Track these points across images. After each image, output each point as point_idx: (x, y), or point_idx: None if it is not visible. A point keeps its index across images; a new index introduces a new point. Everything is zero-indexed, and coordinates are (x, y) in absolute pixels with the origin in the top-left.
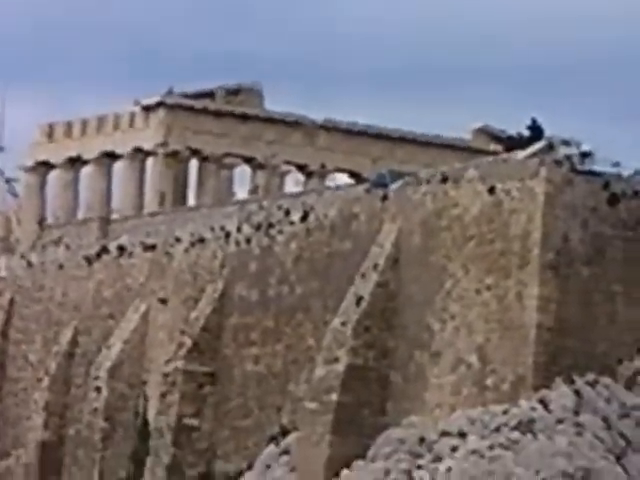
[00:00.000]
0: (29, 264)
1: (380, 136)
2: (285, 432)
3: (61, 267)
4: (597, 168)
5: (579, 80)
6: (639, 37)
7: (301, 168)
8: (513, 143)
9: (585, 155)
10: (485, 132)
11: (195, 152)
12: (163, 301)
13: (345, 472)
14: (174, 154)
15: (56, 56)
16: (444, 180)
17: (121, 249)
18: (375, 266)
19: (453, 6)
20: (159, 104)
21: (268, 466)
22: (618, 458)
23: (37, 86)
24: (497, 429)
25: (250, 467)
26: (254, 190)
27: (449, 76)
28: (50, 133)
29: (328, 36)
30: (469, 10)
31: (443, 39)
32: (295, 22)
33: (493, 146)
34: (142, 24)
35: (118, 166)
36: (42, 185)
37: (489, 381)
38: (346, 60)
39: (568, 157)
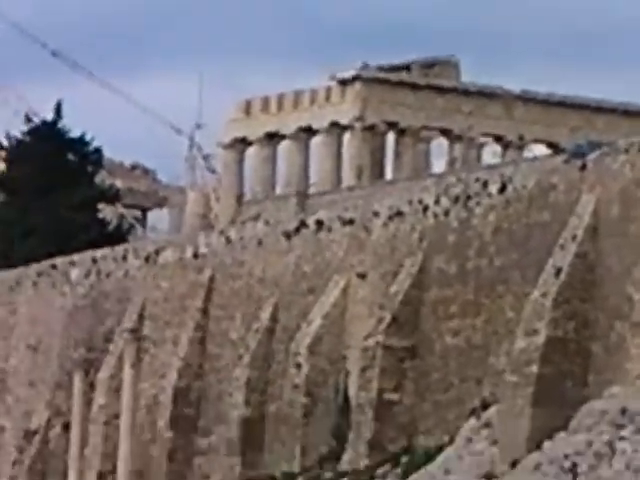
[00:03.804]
0: (228, 240)
1: (578, 106)
2: (486, 405)
3: (260, 243)
4: None
5: None
6: None
7: (498, 139)
8: None
9: None
10: None
11: (392, 125)
12: (362, 276)
13: (547, 444)
14: (371, 128)
15: (228, 28)
16: None
17: (319, 224)
18: (574, 237)
19: None
20: (355, 78)
21: (469, 440)
22: None
23: (213, 60)
24: None
25: (451, 441)
26: (451, 163)
27: None
28: (247, 109)
29: (521, 6)
30: None
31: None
32: None
33: None
34: None
35: (315, 141)
36: (240, 161)
37: None
38: (539, 29)
39: None
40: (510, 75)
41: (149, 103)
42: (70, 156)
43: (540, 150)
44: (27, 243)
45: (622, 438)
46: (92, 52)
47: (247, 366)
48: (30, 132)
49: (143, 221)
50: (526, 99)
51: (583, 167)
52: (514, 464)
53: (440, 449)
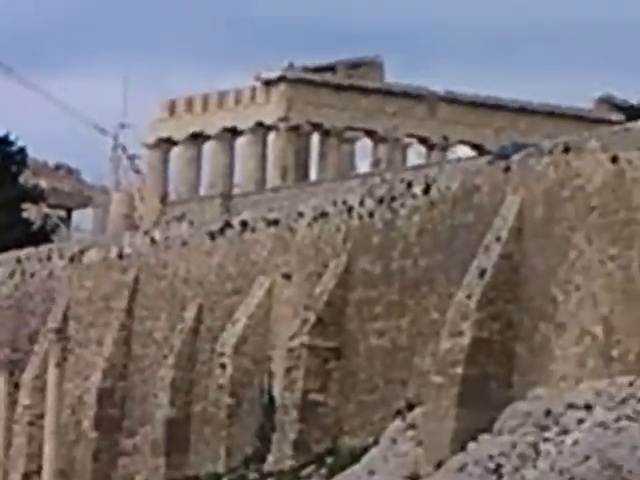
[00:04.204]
0: (152, 241)
1: (501, 107)
2: (411, 406)
3: (184, 243)
4: None
5: None
6: None
7: (423, 141)
8: (636, 112)
9: None
10: (607, 101)
11: (316, 126)
12: (287, 276)
13: (472, 445)
14: (296, 128)
15: (152, 28)
16: (566, 150)
17: (244, 224)
18: (498, 238)
19: None
20: (280, 78)
21: (394, 441)
22: None
23: (134, 58)
24: (623, 401)
25: (376, 442)
26: (376, 163)
27: (567, 44)
28: (172, 109)
29: (445, 8)
30: None
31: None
32: None
33: (615, 115)
34: None
35: (240, 141)
36: (164, 162)
37: (615, 352)
38: (462, 30)
39: None
40: (434, 76)
41: (73, 103)
42: None
43: (464, 151)
44: None
45: (546, 439)
46: (14, 51)
47: (172, 366)
48: None
49: (67, 221)
50: (450, 100)
51: (507, 168)
52: (439, 465)
53: (365, 450)
